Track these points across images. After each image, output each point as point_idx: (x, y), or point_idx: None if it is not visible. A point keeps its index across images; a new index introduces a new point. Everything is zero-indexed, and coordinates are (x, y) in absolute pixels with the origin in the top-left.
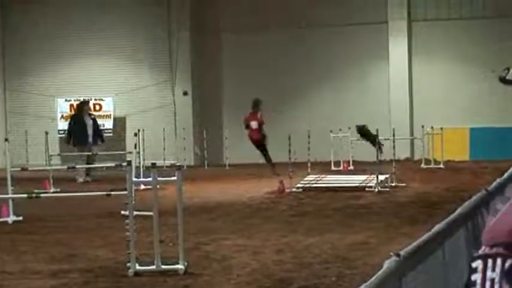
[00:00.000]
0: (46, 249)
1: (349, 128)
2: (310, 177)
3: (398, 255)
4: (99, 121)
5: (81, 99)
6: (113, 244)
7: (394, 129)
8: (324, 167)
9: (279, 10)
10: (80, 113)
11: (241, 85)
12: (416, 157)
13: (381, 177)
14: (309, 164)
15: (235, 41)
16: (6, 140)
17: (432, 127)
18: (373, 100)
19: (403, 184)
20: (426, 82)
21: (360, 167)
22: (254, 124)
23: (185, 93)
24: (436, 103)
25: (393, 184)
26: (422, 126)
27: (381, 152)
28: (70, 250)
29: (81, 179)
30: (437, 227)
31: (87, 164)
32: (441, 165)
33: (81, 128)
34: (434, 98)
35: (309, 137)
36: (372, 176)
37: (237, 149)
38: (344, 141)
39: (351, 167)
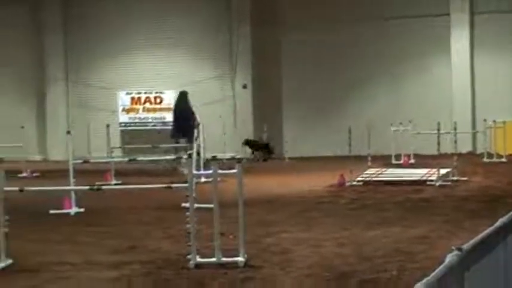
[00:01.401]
0: (108, 241)
1: (410, 122)
2: (371, 171)
3: (460, 249)
4: (160, 114)
5: (145, 90)
6: (174, 236)
7: (455, 123)
8: (384, 161)
9: (339, 4)
10: (186, 103)
11: (301, 78)
12: (479, 151)
13: (442, 171)
14: (369, 158)
15: (296, 34)
16: (68, 132)
17: (494, 121)
18: (435, 93)
19: (465, 178)
20: (488, 75)
21: (421, 161)
22: None
23: (244, 87)
24: (498, 96)
25: (455, 178)
26: (485, 120)
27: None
28: (131, 242)
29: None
30: (500, 221)
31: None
32: (504, 159)
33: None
34: (497, 91)
35: (369, 130)
36: (433, 169)
37: (296, 142)
38: (405, 135)
39: (412, 161)
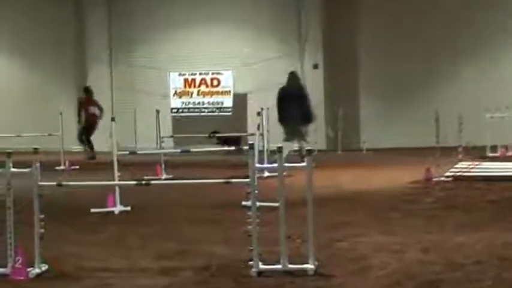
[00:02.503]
0: (156, 244)
1: (508, 108)
2: (462, 165)
3: None
4: (217, 98)
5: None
6: (233, 239)
7: None
8: (478, 153)
9: None
10: (298, 84)
11: (380, 58)
12: None
13: None
14: (460, 150)
15: (374, 8)
16: (112, 119)
17: None
18: None
19: None
20: None
21: None
22: (93, 109)
23: (315, 67)
24: None
25: None
26: None
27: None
28: (183, 245)
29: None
30: None
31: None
32: None
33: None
34: None
35: (460, 118)
36: None
37: (375, 131)
38: (502, 123)
39: (510, 153)
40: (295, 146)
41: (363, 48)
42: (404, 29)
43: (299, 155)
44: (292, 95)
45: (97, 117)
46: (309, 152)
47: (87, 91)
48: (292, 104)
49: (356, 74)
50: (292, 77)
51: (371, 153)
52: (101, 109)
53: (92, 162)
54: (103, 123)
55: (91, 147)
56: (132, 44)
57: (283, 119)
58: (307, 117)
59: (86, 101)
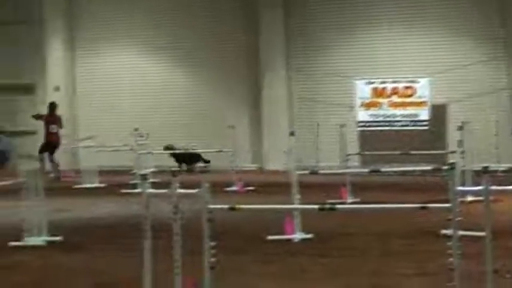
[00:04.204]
0: (341, 278)
1: None
2: None
3: None
4: (411, 110)
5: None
6: (430, 274)
7: None
8: None
9: None
10: None
11: None
12: None
13: None
14: None
15: None
16: (291, 134)
17: None
18: None
19: None
20: None
21: None
22: (54, 127)
23: None
24: None
25: None
26: None
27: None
28: (372, 279)
29: None
30: None
31: None
32: None
33: None
34: None
35: None
36: None
37: None
38: None
39: None
40: None
41: None
42: None
43: None
44: None
45: (58, 137)
46: None
47: (51, 107)
48: None
49: None
50: None
51: None
52: (61, 126)
53: (57, 184)
54: (280, 139)
55: (55, 166)
56: (311, 49)
57: None
58: None
59: (48, 117)
